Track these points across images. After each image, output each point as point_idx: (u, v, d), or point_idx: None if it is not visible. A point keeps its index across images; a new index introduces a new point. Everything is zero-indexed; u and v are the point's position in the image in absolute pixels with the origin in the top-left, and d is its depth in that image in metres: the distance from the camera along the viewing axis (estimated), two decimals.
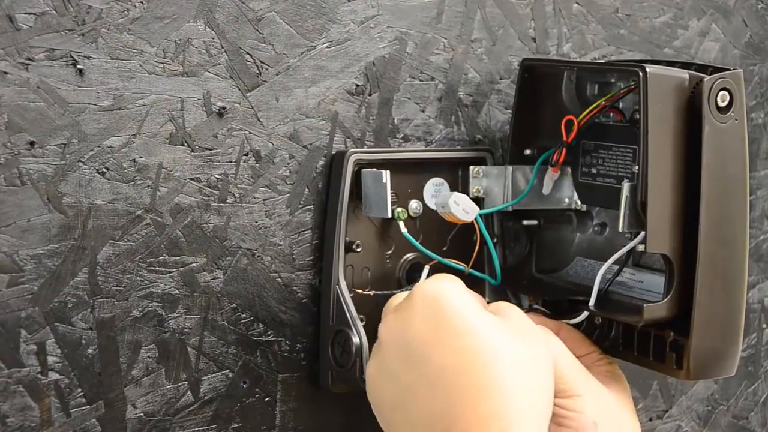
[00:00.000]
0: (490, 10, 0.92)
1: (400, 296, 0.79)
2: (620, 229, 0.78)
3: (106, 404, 0.79)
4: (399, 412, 0.74)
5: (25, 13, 0.74)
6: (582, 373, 0.79)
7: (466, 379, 0.72)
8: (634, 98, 0.83)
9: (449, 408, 0.71)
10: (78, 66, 0.76)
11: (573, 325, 0.84)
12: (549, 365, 0.75)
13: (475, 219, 0.83)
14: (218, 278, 0.83)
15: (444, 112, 0.91)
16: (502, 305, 0.78)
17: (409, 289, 0.77)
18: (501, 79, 0.93)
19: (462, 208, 0.82)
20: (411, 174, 0.88)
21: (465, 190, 0.88)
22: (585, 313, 0.82)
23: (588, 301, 0.82)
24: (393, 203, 0.85)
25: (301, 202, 0.85)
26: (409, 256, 0.88)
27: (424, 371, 0.73)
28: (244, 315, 0.84)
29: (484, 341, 0.72)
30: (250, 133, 0.83)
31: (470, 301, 0.75)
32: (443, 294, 0.75)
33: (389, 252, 0.88)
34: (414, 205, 0.87)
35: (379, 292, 0.84)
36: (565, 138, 0.85)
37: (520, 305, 0.88)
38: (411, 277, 0.87)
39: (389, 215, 0.83)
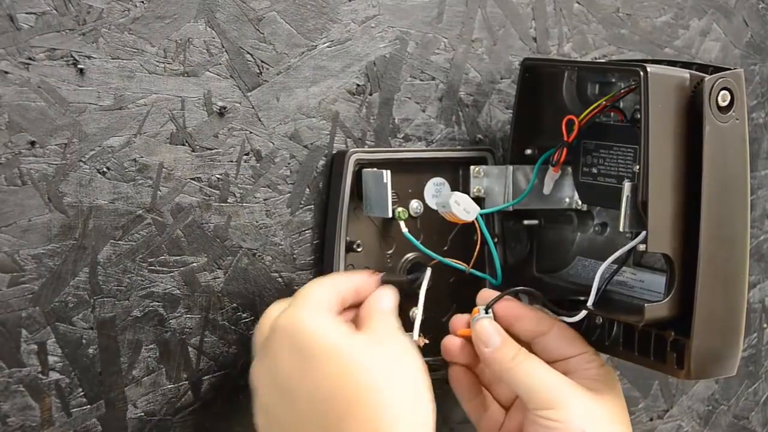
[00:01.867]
0: (490, 9, 0.92)
1: (270, 314, 0.77)
2: (621, 229, 0.78)
3: (107, 404, 0.79)
4: None
5: (26, 13, 0.74)
6: (562, 382, 0.80)
7: (338, 406, 0.70)
8: (634, 98, 0.83)
9: None
10: (79, 66, 0.76)
11: (571, 324, 0.84)
12: (419, 372, 0.73)
13: (476, 219, 0.83)
14: (219, 278, 0.83)
15: (445, 112, 0.91)
16: (368, 311, 0.77)
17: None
18: (502, 78, 0.93)
19: (463, 208, 0.82)
20: (412, 174, 0.88)
21: (466, 190, 0.88)
22: (583, 312, 0.82)
23: (584, 300, 0.82)
24: (394, 203, 0.85)
25: (302, 202, 0.85)
26: (410, 255, 0.88)
27: (299, 407, 0.72)
28: (244, 315, 0.84)
29: (348, 363, 0.71)
30: (251, 132, 0.83)
31: (326, 323, 0.73)
32: (298, 325, 0.73)
33: (390, 252, 0.88)
34: (415, 204, 0.87)
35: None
36: (565, 138, 0.85)
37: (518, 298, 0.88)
38: (411, 277, 0.87)
39: (390, 215, 0.83)
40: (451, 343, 0.84)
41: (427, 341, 0.82)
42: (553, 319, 0.83)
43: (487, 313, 0.82)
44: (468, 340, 0.83)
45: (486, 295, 0.84)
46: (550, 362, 0.82)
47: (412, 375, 0.73)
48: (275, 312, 0.75)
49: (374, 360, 0.71)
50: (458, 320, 0.84)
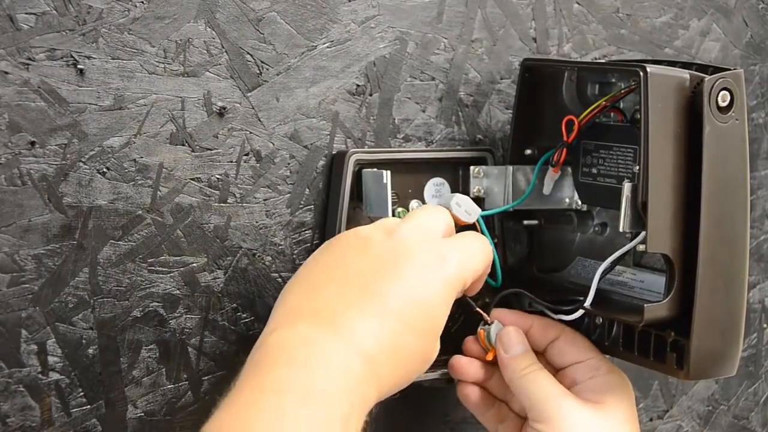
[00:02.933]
0: (490, 10, 0.92)
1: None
2: (621, 229, 0.78)
3: (107, 404, 0.79)
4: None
5: (26, 13, 0.74)
6: (562, 396, 0.81)
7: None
8: (634, 98, 0.83)
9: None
10: (78, 66, 0.76)
11: (568, 323, 0.84)
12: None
13: (477, 220, 0.83)
14: (219, 278, 0.83)
15: (445, 112, 0.91)
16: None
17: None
18: (501, 79, 0.93)
19: (464, 210, 0.82)
20: (411, 174, 0.88)
21: (465, 190, 0.88)
22: (580, 312, 0.82)
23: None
24: (393, 203, 0.85)
25: (302, 202, 0.85)
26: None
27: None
28: (244, 315, 0.84)
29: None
30: (251, 133, 0.83)
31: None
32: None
33: None
34: (414, 205, 0.88)
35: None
36: (565, 138, 0.85)
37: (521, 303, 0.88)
38: None
39: (390, 215, 0.83)
40: (459, 362, 0.86)
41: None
42: (560, 326, 0.85)
43: (489, 324, 0.85)
44: (477, 358, 0.86)
45: (498, 314, 0.86)
46: (561, 368, 0.84)
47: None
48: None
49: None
50: (471, 342, 0.86)
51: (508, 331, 0.84)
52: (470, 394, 0.86)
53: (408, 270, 0.73)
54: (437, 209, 0.79)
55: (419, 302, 0.73)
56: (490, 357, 0.85)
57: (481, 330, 0.85)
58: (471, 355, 0.86)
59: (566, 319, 0.84)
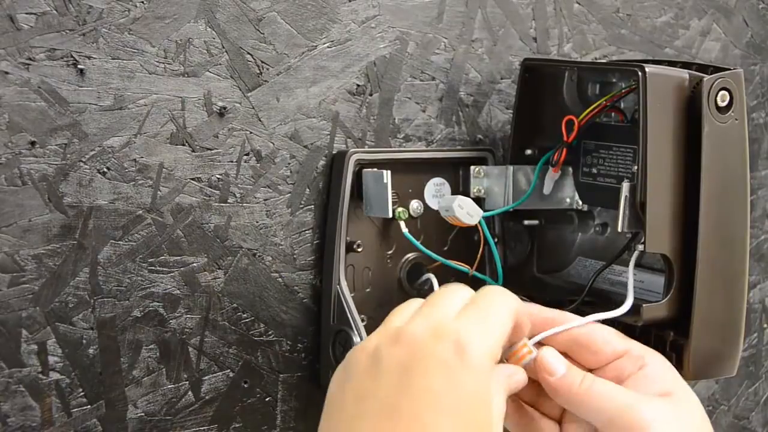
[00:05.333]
0: (490, 10, 0.92)
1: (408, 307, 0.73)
2: (619, 229, 0.78)
3: (107, 404, 0.80)
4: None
5: (26, 13, 0.74)
6: (636, 400, 0.73)
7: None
8: (635, 98, 0.83)
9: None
10: (79, 66, 0.76)
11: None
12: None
13: (479, 222, 0.83)
14: (219, 278, 0.83)
15: (445, 112, 0.91)
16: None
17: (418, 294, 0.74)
18: (502, 78, 0.93)
19: (466, 212, 0.82)
20: (412, 174, 0.88)
21: (466, 190, 0.88)
22: (585, 319, 0.80)
23: (590, 302, 0.82)
24: (394, 203, 0.85)
25: (302, 202, 0.85)
26: (410, 256, 0.88)
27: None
28: (245, 315, 0.84)
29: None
30: (251, 133, 0.83)
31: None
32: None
33: (390, 252, 0.88)
34: (415, 205, 0.88)
35: None
36: (565, 138, 0.85)
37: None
38: (411, 278, 0.88)
39: (390, 215, 0.83)
40: None
41: None
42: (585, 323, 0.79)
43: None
44: None
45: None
46: (600, 367, 0.77)
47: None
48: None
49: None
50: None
51: (545, 354, 0.75)
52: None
53: (429, 375, 0.66)
54: (446, 289, 0.73)
55: (457, 406, 0.65)
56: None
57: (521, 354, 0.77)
58: None
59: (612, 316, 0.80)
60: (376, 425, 0.65)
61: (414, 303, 0.72)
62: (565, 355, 0.77)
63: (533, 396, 0.78)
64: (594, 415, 0.75)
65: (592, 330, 0.78)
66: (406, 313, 0.71)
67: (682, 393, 0.75)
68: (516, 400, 0.78)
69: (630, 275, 0.80)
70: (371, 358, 0.68)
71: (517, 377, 0.73)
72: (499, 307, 0.71)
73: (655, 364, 0.77)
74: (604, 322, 0.79)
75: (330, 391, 0.70)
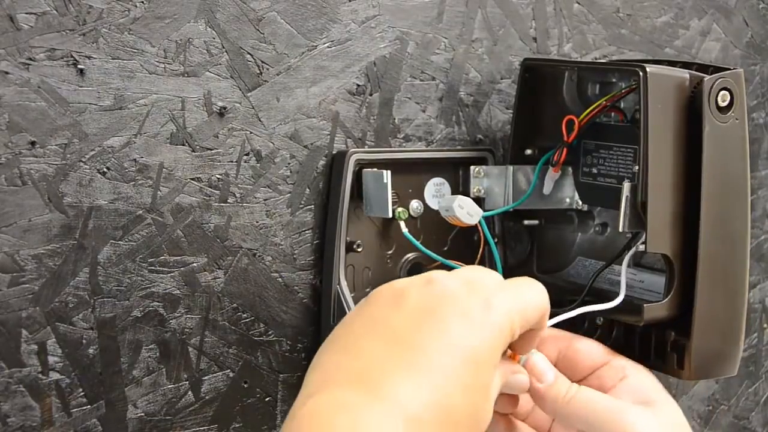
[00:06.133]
0: (490, 10, 0.92)
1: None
2: (620, 229, 0.78)
3: (107, 404, 0.80)
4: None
5: (26, 13, 0.74)
6: (622, 406, 0.75)
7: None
8: (635, 98, 0.83)
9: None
10: (79, 66, 0.76)
11: (573, 324, 0.83)
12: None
13: (479, 221, 0.83)
14: (219, 278, 0.83)
15: (445, 112, 0.91)
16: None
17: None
18: (502, 78, 0.93)
19: (466, 212, 0.82)
20: (412, 174, 0.88)
21: (466, 190, 0.88)
22: (576, 311, 0.80)
23: (590, 302, 0.82)
24: (394, 203, 0.85)
25: (302, 202, 0.85)
26: (410, 256, 0.88)
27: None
28: (245, 315, 0.84)
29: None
30: (251, 133, 0.83)
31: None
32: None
33: (390, 252, 0.88)
34: (415, 204, 0.88)
35: None
36: (566, 138, 0.85)
37: None
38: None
39: (390, 215, 0.83)
40: None
41: None
42: (569, 334, 0.81)
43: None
44: None
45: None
46: (582, 378, 0.79)
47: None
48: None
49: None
50: None
51: (536, 359, 0.76)
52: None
53: (449, 318, 0.66)
54: (487, 270, 0.73)
55: (465, 355, 0.65)
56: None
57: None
58: None
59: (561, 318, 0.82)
60: (384, 348, 0.65)
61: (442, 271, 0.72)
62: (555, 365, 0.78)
63: (523, 411, 0.80)
64: (581, 422, 0.75)
65: (576, 340, 0.80)
66: (438, 272, 0.71)
67: (665, 402, 0.77)
68: (505, 414, 0.79)
69: (623, 271, 0.80)
70: (399, 291, 0.69)
71: (520, 377, 0.74)
72: (536, 295, 0.71)
73: (637, 374, 0.78)
74: (603, 319, 0.80)
75: (344, 318, 0.70)
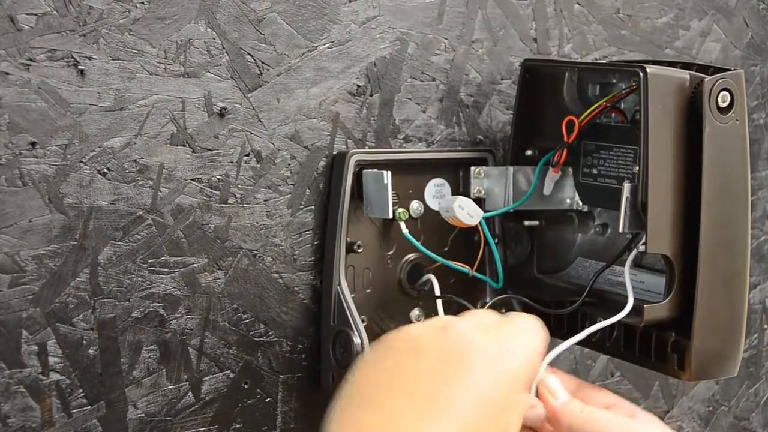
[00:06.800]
0: (491, 10, 0.92)
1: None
2: (620, 230, 0.78)
3: (107, 405, 0.80)
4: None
5: (27, 14, 0.74)
6: (632, 423, 0.77)
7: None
8: (635, 99, 0.83)
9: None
10: (79, 66, 0.76)
11: (568, 319, 0.83)
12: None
13: (480, 222, 0.83)
14: (219, 279, 0.83)
15: (445, 113, 0.91)
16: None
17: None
18: (502, 79, 0.93)
19: (467, 212, 0.82)
20: (412, 174, 0.88)
21: (466, 191, 0.88)
22: (585, 331, 0.80)
23: (591, 303, 0.83)
24: (394, 204, 0.85)
25: (302, 203, 0.85)
26: (411, 256, 0.88)
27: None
28: (245, 315, 0.84)
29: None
30: (251, 133, 0.83)
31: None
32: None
33: (390, 253, 0.88)
34: (415, 205, 0.87)
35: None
36: (566, 138, 0.85)
37: None
38: (412, 279, 0.88)
39: (390, 216, 0.83)
40: None
41: None
42: (576, 378, 0.82)
43: None
44: None
45: None
46: None
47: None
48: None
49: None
50: None
51: (552, 379, 0.78)
52: None
53: (471, 367, 0.68)
54: (493, 313, 0.76)
55: (488, 403, 0.67)
56: None
57: None
58: None
59: (563, 311, 0.82)
60: (409, 401, 0.66)
61: (448, 317, 0.74)
62: None
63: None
64: None
65: (585, 385, 0.81)
66: (446, 318, 0.73)
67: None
68: None
69: (627, 277, 0.80)
70: (415, 341, 0.70)
71: (537, 410, 0.76)
72: (539, 338, 0.75)
73: (645, 416, 0.79)
74: (604, 320, 0.81)
75: (359, 367, 0.71)
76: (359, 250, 0.85)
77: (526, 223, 0.90)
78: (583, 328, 0.85)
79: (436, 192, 0.88)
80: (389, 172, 0.83)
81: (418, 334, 0.71)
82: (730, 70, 0.79)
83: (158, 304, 0.81)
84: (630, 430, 0.76)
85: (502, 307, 0.89)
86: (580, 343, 0.84)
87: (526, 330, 0.74)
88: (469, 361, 0.68)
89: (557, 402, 0.77)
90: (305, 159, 0.85)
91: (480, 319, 0.73)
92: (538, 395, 0.78)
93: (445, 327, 0.70)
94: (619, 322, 0.83)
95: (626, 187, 0.78)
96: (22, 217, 0.75)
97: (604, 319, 0.84)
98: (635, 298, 0.83)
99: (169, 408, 0.82)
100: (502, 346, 0.70)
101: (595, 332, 0.85)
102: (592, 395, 0.81)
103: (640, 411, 0.80)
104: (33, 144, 0.75)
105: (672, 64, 0.85)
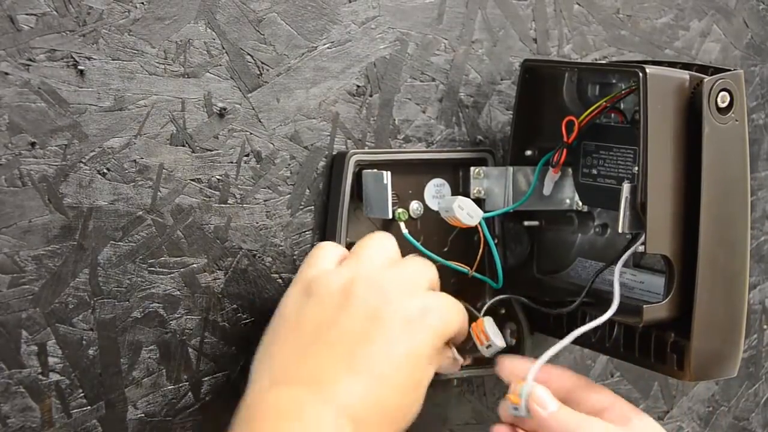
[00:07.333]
0: (490, 11, 0.92)
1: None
2: (620, 230, 0.78)
3: (107, 405, 0.80)
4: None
5: (26, 14, 0.74)
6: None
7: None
8: (635, 99, 0.83)
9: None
10: (79, 67, 0.76)
11: (568, 318, 0.84)
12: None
13: (480, 223, 0.83)
14: (219, 279, 0.83)
15: (445, 113, 0.91)
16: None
17: None
18: (502, 79, 0.93)
19: (467, 213, 0.82)
20: (412, 175, 0.88)
21: (466, 191, 0.88)
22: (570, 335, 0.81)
23: (590, 303, 0.83)
24: (394, 204, 0.85)
25: (302, 203, 0.85)
26: (410, 256, 0.88)
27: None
28: (245, 316, 0.84)
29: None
30: (251, 133, 0.83)
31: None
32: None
33: None
34: (415, 206, 0.87)
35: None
36: (565, 139, 0.85)
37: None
38: None
39: (390, 216, 0.83)
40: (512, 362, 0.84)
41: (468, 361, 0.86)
42: (575, 375, 0.83)
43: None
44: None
45: (509, 367, 0.84)
46: None
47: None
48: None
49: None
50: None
51: (540, 390, 0.79)
52: None
53: (392, 326, 0.75)
54: (417, 260, 0.81)
55: (403, 359, 0.75)
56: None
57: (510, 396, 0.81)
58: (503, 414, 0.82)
59: (564, 310, 0.83)
60: (332, 353, 0.74)
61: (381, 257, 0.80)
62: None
63: None
64: None
65: (582, 382, 0.84)
66: (380, 262, 0.79)
67: None
68: None
69: (616, 277, 0.80)
70: (344, 292, 0.76)
71: (454, 359, 0.82)
72: (456, 309, 0.80)
73: (639, 423, 0.80)
74: (606, 323, 0.80)
75: (285, 309, 0.78)
76: None
77: (526, 223, 0.90)
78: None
79: (435, 192, 0.88)
80: (389, 173, 0.83)
81: (347, 282, 0.76)
82: (729, 70, 0.79)
83: (158, 305, 0.81)
84: None
85: (502, 307, 0.89)
86: (580, 343, 0.84)
87: (445, 298, 0.79)
88: (391, 323, 0.75)
89: (545, 412, 0.79)
90: (305, 159, 0.85)
91: (410, 277, 0.78)
92: (527, 408, 0.79)
93: (372, 281, 0.76)
94: (618, 322, 0.83)
95: (626, 187, 0.78)
96: (22, 218, 0.75)
97: (609, 319, 0.84)
98: (635, 299, 0.83)
99: (169, 408, 0.82)
100: (423, 306, 0.77)
101: (595, 332, 0.86)
102: (588, 395, 0.82)
103: (635, 415, 0.81)
104: (33, 144, 0.75)
105: (672, 64, 0.85)
